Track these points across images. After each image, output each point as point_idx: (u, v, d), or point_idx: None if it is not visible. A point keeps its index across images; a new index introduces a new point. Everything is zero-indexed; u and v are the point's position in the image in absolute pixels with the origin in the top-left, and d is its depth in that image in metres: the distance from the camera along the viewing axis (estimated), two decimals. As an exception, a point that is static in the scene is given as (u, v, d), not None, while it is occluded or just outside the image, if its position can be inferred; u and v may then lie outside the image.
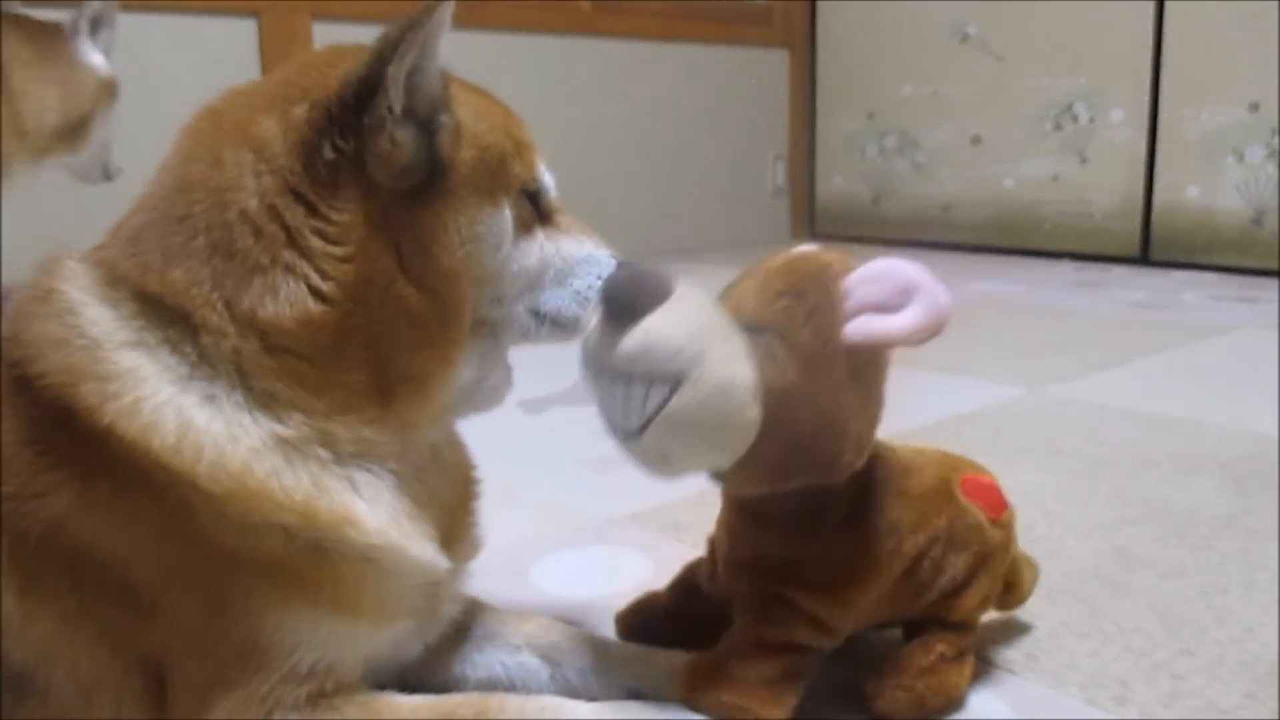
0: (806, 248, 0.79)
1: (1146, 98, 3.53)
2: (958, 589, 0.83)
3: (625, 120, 3.97)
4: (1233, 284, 3.16)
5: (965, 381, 1.97)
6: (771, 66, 4.44)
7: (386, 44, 0.68)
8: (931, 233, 4.16)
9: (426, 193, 0.72)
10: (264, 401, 0.69)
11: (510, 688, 0.83)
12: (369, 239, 0.70)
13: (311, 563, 0.69)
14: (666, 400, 0.68)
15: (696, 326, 0.69)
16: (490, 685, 0.84)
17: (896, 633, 0.88)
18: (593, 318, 0.73)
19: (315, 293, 0.69)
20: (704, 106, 4.20)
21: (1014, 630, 0.97)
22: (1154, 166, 3.56)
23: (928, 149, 4.16)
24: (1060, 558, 1.14)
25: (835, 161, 4.48)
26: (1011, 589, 0.93)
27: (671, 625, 0.90)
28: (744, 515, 0.82)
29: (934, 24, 4.05)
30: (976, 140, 4.01)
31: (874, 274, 0.71)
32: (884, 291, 0.70)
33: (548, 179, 0.82)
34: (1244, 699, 0.86)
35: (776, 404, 0.70)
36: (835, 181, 4.50)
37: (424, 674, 0.83)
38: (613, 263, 0.84)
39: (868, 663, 0.84)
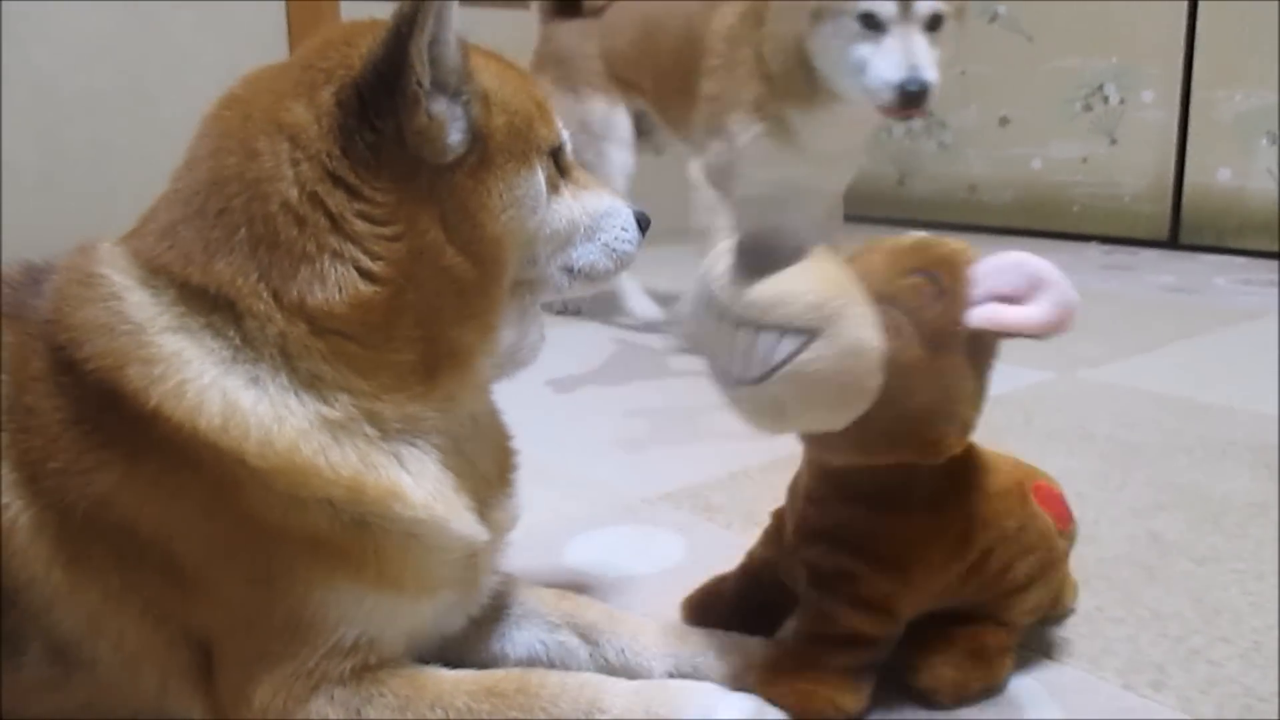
0: (930, 235, 0.81)
1: (1178, 79, 3.48)
2: (1018, 590, 0.84)
3: (650, 100, 3.95)
4: (1264, 268, 3.12)
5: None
6: (797, 46, 4.40)
7: (403, 19, 0.68)
8: (957, 214, 4.13)
9: (466, 162, 0.72)
10: (310, 383, 0.70)
11: (549, 665, 0.84)
12: (418, 214, 0.71)
13: (355, 537, 0.70)
14: (797, 352, 0.69)
15: (833, 286, 0.70)
16: (530, 662, 0.85)
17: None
18: (722, 264, 0.73)
19: (365, 274, 0.70)
20: (729, 86, 4.18)
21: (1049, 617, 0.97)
22: (1185, 149, 3.51)
23: (955, 129, 4.12)
24: (1094, 543, 1.14)
25: (860, 142, 4.46)
26: (1056, 601, 0.93)
27: (737, 612, 0.90)
28: (830, 484, 0.82)
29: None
30: (1004, 121, 3.97)
31: (1005, 265, 0.73)
32: (1013, 282, 0.72)
33: (566, 134, 0.83)
34: (1281, 686, 0.86)
35: (896, 376, 0.71)
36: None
37: (465, 651, 0.84)
38: (630, 213, 0.86)
39: (909, 637, 0.84)
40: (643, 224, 0.87)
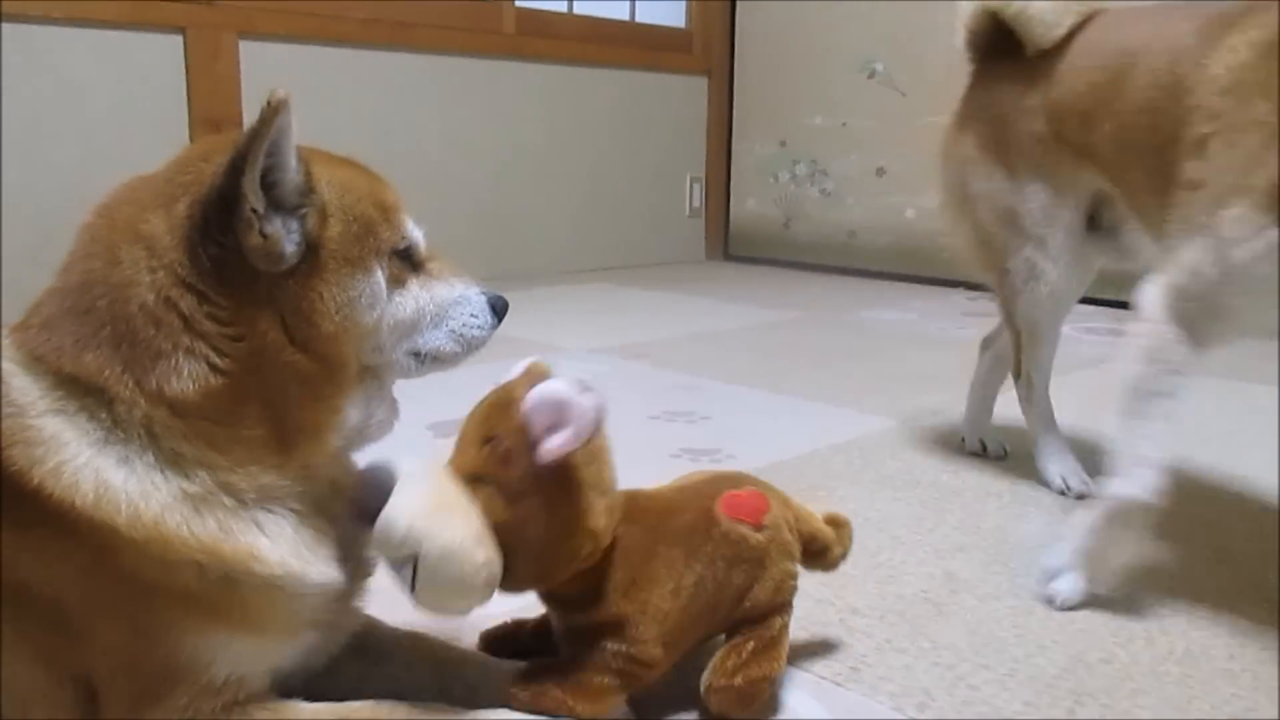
0: (514, 373, 0.93)
1: (1036, 139, 3.76)
2: (744, 593, 0.98)
3: (548, 142, 4.09)
4: (1106, 316, 3.40)
5: (844, 413, 2.14)
6: (690, 92, 4.61)
7: (237, 155, 0.78)
8: (838, 258, 4.37)
9: (299, 270, 0.82)
10: (173, 460, 0.80)
11: (403, 698, 0.96)
12: (257, 317, 0.81)
13: (223, 592, 0.80)
14: (413, 576, 0.83)
15: (415, 509, 0.83)
16: (385, 696, 0.95)
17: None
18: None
19: (214, 368, 0.80)
20: (624, 129, 4.35)
21: (845, 648, 1.13)
22: (1042, 204, 3.79)
23: (836, 177, 4.37)
24: (897, 582, 1.30)
25: (749, 185, 4.67)
26: (821, 554, 1.07)
27: (530, 654, 1.02)
28: (548, 601, 0.97)
29: (844, 59, 4.26)
30: (881, 171, 4.23)
31: (538, 405, 0.86)
32: (548, 416, 0.85)
33: (416, 234, 0.93)
34: (1024, 706, 1.02)
35: (507, 534, 0.86)
36: (749, 204, 4.69)
37: (327, 686, 0.95)
38: (483, 299, 0.96)
39: (702, 664, 0.98)
40: (498, 309, 0.97)
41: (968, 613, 1.23)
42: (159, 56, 3.05)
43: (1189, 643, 1.16)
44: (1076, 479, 1.67)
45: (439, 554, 0.82)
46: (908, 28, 4.05)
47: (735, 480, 1.05)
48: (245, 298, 0.80)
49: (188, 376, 0.79)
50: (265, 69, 3.19)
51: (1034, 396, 1.75)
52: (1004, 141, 1.63)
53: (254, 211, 0.79)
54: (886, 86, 4.16)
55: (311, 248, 0.83)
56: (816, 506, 1.11)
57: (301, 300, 0.82)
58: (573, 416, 0.85)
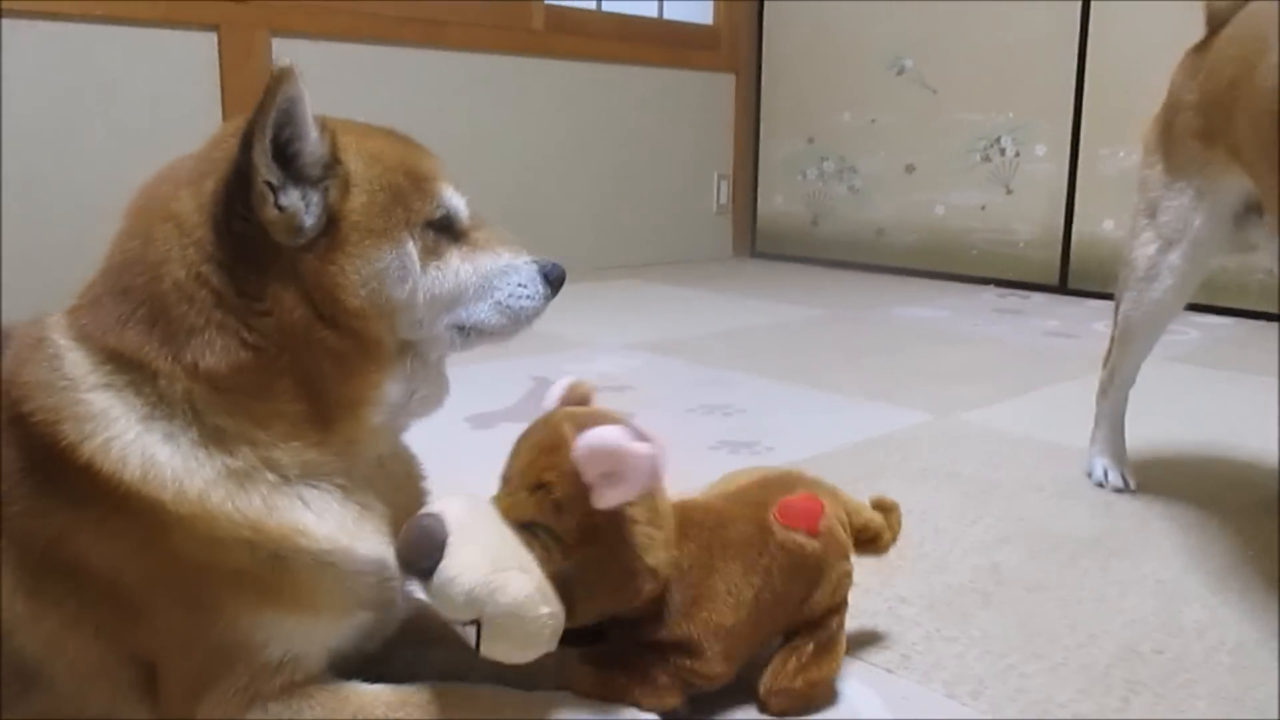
0: (552, 396, 0.91)
1: (1068, 135, 3.76)
2: (801, 602, 0.97)
3: (575, 139, 4.10)
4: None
5: (879, 407, 2.14)
6: (718, 89, 4.60)
7: (247, 129, 0.77)
8: (866, 255, 4.35)
9: (319, 244, 0.81)
10: (216, 436, 0.80)
11: (459, 681, 0.96)
12: (282, 293, 0.80)
13: (273, 569, 0.80)
14: (479, 635, 0.82)
15: (474, 570, 0.80)
16: (442, 679, 0.96)
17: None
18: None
19: (245, 343, 0.80)
20: (652, 127, 4.35)
21: (895, 637, 1.13)
22: (1073, 200, 3.78)
23: (864, 174, 4.35)
24: (943, 572, 1.30)
25: (777, 183, 4.66)
26: (873, 541, 1.06)
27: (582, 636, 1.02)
28: (611, 624, 0.94)
29: (873, 56, 4.24)
30: (910, 168, 4.22)
31: (591, 453, 0.83)
32: (602, 465, 0.82)
33: (455, 203, 0.89)
34: (1077, 694, 1.02)
35: (567, 582, 0.84)
36: (776, 202, 4.68)
37: (384, 671, 0.96)
38: (533, 269, 0.92)
39: (761, 664, 0.98)
40: (552, 279, 0.94)
41: (1016, 603, 1.22)
42: (193, 54, 3.08)
43: (1240, 634, 1.15)
44: (1117, 474, 1.66)
45: (503, 615, 0.80)
46: (937, 24, 4.03)
47: (786, 483, 1.02)
48: (270, 274, 0.80)
49: (220, 351, 0.79)
50: (297, 66, 3.20)
51: (1110, 392, 1.72)
52: (1169, 132, 1.54)
53: (268, 184, 0.78)
54: (916, 83, 4.14)
55: (332, 221, 0.81)
56: (861, 495, 1.11)
57: (323, 275, 0.81)
58: (629, 468, 0.82)
